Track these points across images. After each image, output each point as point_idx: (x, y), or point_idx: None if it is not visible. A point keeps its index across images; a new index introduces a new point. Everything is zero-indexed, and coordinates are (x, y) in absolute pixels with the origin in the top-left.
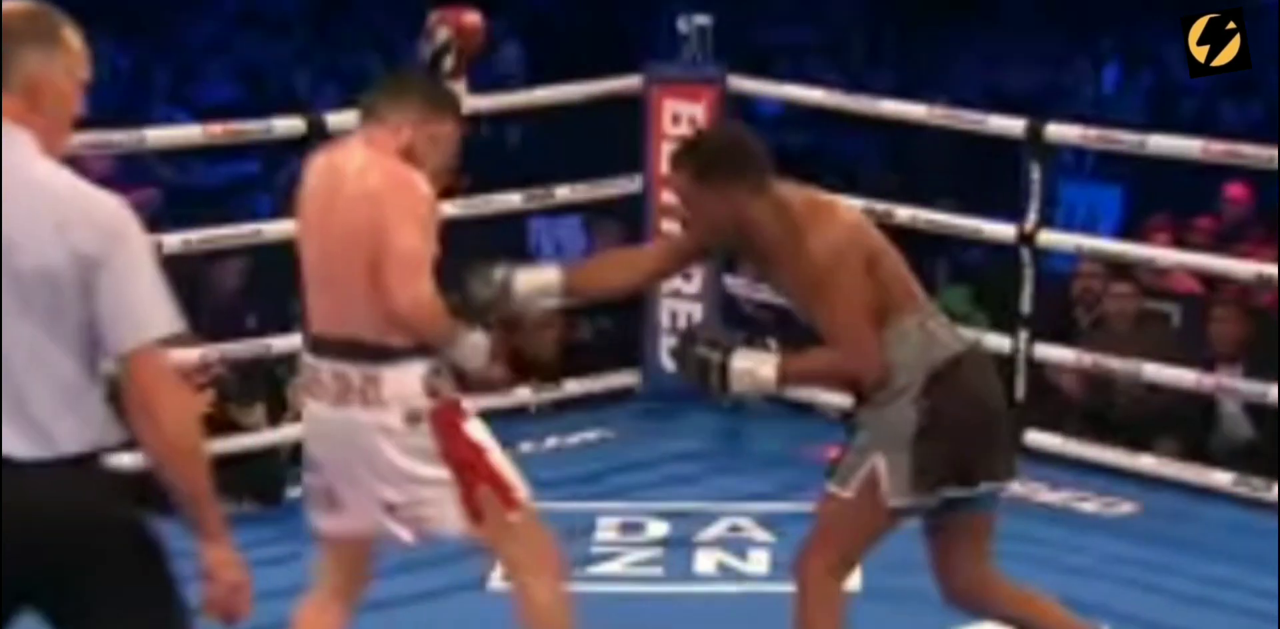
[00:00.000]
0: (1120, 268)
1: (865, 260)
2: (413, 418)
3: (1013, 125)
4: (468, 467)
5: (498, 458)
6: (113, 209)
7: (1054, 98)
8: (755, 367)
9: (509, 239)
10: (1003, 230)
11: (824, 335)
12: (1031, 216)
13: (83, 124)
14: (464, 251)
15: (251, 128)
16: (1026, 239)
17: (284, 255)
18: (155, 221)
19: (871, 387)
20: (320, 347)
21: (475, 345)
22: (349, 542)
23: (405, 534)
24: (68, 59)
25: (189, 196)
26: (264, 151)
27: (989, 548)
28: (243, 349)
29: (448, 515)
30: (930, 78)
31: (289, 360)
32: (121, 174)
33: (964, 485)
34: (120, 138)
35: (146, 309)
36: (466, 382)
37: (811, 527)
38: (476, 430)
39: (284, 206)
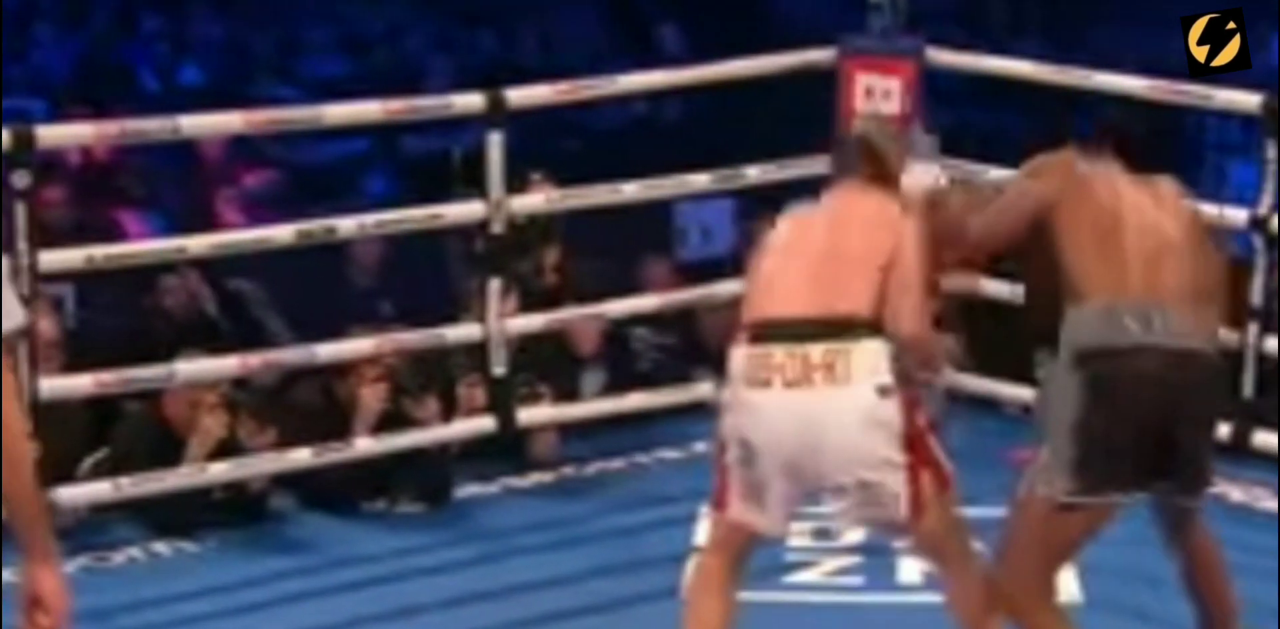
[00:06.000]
0: None
1: None
2: (883, 391)
3: (1247, 100)
4: (918, 447)
5: (936, 441)
6: None
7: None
8: None
9: (653, 222)
10: (1231, 214)
11: None
12: (1267, 200)
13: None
14: (608, 234)
15: (429, 104)
16: (1260, 224)
17: (417, 242)
18: (280, 202)
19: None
20: (775, 332)
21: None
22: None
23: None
24: None
25: (297, 176)
26: (373, 129)
27: None
28: (418, 339)
29: (893, 502)
30: (1080, 46)
31: (461, 353)
32: (234, 154)
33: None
34: (299, 115)
35: None
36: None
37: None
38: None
39: (402, 186)
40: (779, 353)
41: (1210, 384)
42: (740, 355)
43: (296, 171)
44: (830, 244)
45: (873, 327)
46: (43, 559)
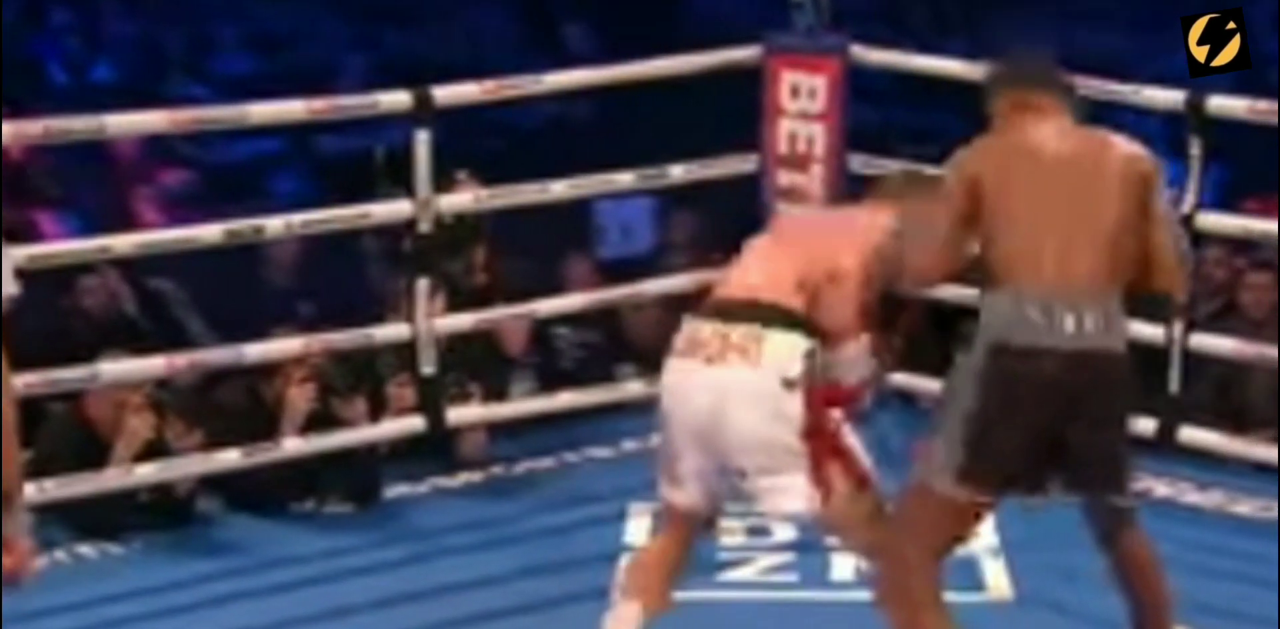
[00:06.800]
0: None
1: None
2: (788, 384)
3: (1171, 97)
4: (823, 440)
5: (851, 439)
6: None
7: (1139, 63)
8: None
9: (572, 220)
10: None
11: None
12: (1189, 198)
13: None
14: (527, 232)
15: (355, 103)
16: (1185, 222)
17: (333, 241)
18: (196, 201)
19: None
20: (711, 309)
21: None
22: (686, 516)
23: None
24: None
25: (211, 175)
26: (286, 128)
27: None
28: (346, 339)
29: (796, 489)
30: (1008, 44)
31: (389, 353)
32: (147, 153)
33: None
34: (224, 114)
35: None
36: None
37: None
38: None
39: (318, 185)
40: (707, 329)
41: (1113, 383)
42: (682, 330)
43: (209, 170)
44: (788, 232)
45: (794, 319)
46: (16, 504)
